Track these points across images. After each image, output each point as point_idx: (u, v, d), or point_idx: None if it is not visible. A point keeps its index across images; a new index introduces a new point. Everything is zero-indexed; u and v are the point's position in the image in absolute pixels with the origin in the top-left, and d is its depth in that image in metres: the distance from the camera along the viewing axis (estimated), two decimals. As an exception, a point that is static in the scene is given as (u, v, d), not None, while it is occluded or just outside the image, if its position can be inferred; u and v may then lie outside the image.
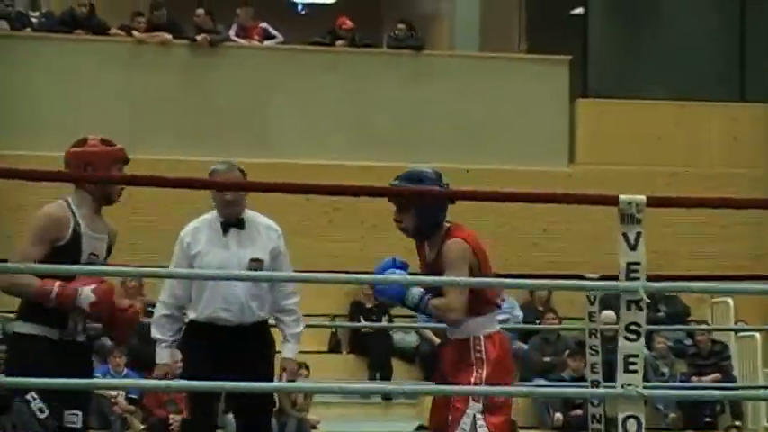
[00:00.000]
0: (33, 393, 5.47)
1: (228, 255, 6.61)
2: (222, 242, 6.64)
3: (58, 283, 5.52)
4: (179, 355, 6.79)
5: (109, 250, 5.83)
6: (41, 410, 5.48)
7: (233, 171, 6.71)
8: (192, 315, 6.65)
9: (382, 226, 14.60)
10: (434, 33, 17.13)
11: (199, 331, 6.64)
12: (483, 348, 5.96)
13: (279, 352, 6.95)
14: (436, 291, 5.95)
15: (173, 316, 6.69)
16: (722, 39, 16.47)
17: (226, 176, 6.64)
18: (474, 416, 5.87)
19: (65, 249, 5.59)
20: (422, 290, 5.93)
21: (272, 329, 6.91)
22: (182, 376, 6.71)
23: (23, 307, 5.69)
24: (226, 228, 6.66)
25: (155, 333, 6.72)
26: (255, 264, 6.61)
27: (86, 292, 5.53)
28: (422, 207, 6.06)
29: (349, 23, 15.49)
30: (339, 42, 15.42)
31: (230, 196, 6.59)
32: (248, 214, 6.65)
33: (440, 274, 5.91)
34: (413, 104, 15.29)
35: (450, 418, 5.92)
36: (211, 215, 6.72)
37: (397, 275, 5.95)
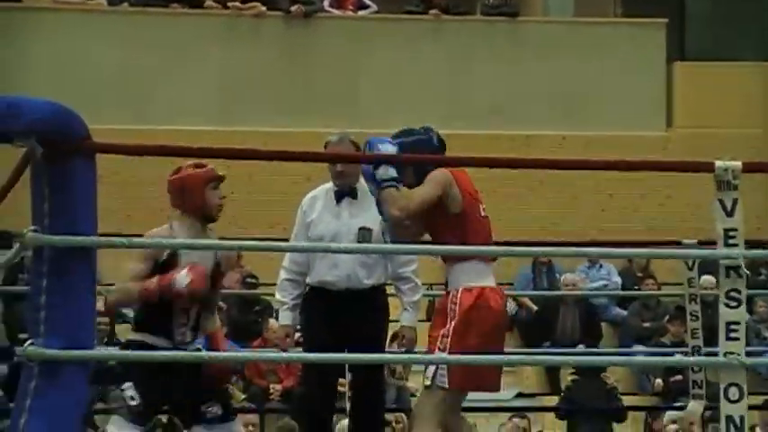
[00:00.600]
0: (130, 384, 5.92)
1: (339, 223, 6.74)
2: (335, 211, 6.77)
3: (157, 276, 5.88)
4: (298, 320, 6.95)
5: (217, 267, 6.13)
6: (132, 398, 5.89)
7: (344, 143, 6.81)
8: (308, 280, 6.80)
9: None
10: (529, 2, 17.01)
11: (313, 295, 6.80)
12: (458, 301, 5.84)
13: (395, 321, 7.03)
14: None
15: (294, 280, 6.83)
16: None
17: (338, 148, 6.75)
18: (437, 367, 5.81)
19: (163, 267, 5.92)
20: (395, 175, 5.82)
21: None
22: (302, 342, 6.97)
23: (135, 322, 6.20)
24: (339, 197, 6.79)
25: (278, 296, 6.91)
26: (364, 232, 6.72)
27: (182, 275, 5.84)
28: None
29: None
30: (432, 11, 15.34)
31: (340, 167, 6.72)
32: (363, 184, 6.69)
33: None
34: (508, 73, 15.21)
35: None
36: (330, 184, 6.85)
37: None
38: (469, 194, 5.97)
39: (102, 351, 6.49)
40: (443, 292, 6.06)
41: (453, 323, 5.80)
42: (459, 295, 5.84)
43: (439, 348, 5.77)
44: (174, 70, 14.76)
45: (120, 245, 4.77)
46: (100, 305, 5.43)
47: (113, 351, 7.79)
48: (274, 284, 7.10)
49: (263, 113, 14.65)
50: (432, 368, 5.80)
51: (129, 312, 9.66)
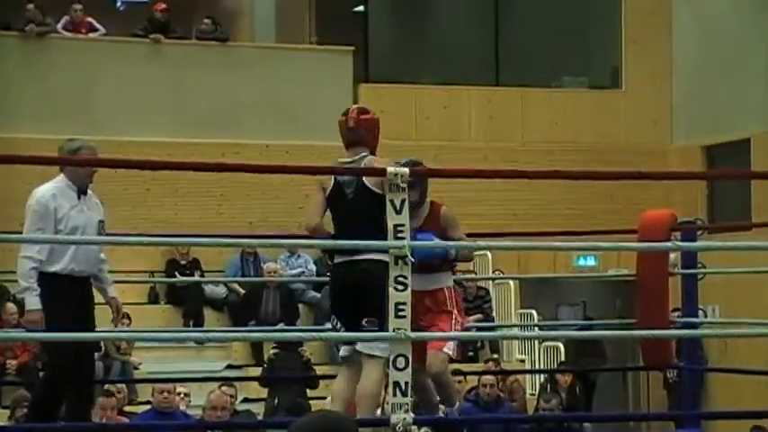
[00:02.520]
0: None
1: (85, 216, 6.66)
2: (78, 206, 6.66)
3: None
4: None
5: None
6: None
7: (93, 149, 6.73)
8: (52, 268, 6.56)
9: (195, 193, 14.55)
10: (237, 26, 17.00)
11: (59, 281, 6.58)
12: (455, 296, 6.43)
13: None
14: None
15: (37, 269, 6.58)
16: (480, 31, 16.69)
17: (95, 153, 6.68)
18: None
19: None
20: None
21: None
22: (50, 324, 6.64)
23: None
24: (80, 194, 6.68)
25: (25, 283, 6.57)
26: (101, 224, 6.74)
27: None
28: (424, 186, 6.43)
29: (163, 6, 15.25)
30: (152, 36, 15.13)
31: (94, 170, 6.69)
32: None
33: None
34: (222, 89, 15.17)
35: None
36: (61, 182, 6.66)
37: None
38: None
39: None
40: None
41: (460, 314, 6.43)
42: (453, 292, 6.46)
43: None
44: None
45: None
46: None
47: None
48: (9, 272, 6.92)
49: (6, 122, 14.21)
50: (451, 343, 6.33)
51: None
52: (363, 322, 5.80)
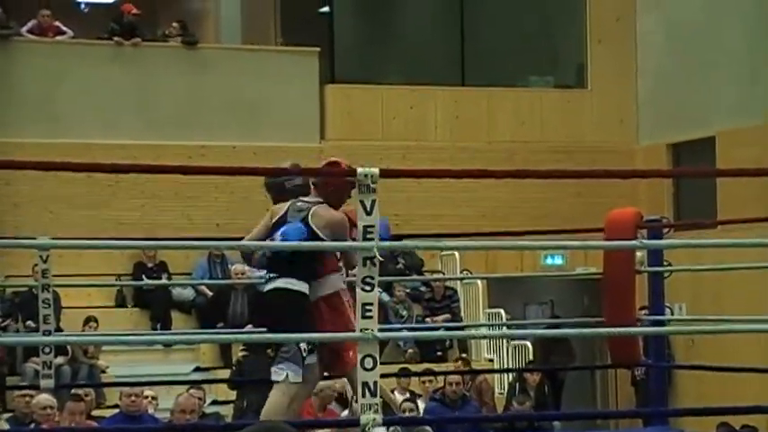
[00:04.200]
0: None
1: None
2: None
3: None
4: None
5: None
6: None
7: None
8: None
9: (162, 196, 14.51)
10: (203, 28, 16.94)
11: None
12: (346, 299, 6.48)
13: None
14: None
15: None
16: (446, 32, 16.71)
17: None
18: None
19: None
20: None
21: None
22: None
23: None
24: None
25: None
26: None
27: None
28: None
29: (133, 8, 15.19)
30: (116, 38, 15.05)
31: None
32: None
33: None
34: (188, 91, 15.13)
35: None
36: None
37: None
38: None
39: None
40: None
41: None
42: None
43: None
44: None
45: None
46: None
47: None
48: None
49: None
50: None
51: None
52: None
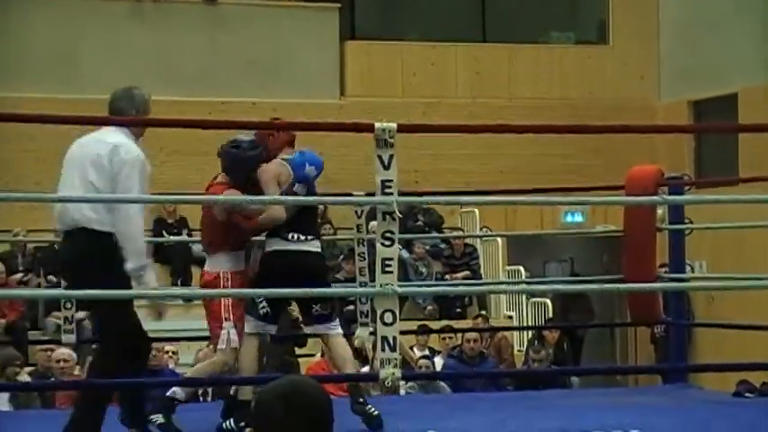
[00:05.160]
0: None
1: None
2: None
3: None
4: None
5: None
6: None
7: None
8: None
9: (182, 151, 14.51)
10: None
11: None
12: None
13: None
14: None
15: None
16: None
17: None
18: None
19: None
20: None
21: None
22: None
23: None
24: None
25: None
26: None
27: None
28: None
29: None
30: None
31: None
32: None
33: None
34: (208, 47, 15.12)
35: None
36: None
37: None
38: None
39: None
40: None
41: None
42: None
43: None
44: None
45: None
46: None
47: None
48: None
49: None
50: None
51: None
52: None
